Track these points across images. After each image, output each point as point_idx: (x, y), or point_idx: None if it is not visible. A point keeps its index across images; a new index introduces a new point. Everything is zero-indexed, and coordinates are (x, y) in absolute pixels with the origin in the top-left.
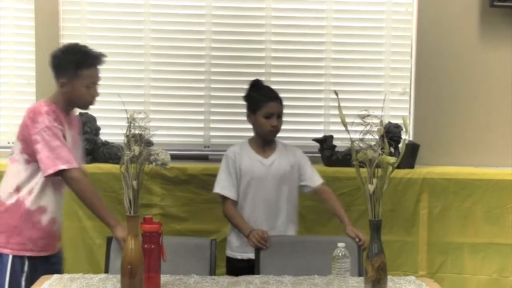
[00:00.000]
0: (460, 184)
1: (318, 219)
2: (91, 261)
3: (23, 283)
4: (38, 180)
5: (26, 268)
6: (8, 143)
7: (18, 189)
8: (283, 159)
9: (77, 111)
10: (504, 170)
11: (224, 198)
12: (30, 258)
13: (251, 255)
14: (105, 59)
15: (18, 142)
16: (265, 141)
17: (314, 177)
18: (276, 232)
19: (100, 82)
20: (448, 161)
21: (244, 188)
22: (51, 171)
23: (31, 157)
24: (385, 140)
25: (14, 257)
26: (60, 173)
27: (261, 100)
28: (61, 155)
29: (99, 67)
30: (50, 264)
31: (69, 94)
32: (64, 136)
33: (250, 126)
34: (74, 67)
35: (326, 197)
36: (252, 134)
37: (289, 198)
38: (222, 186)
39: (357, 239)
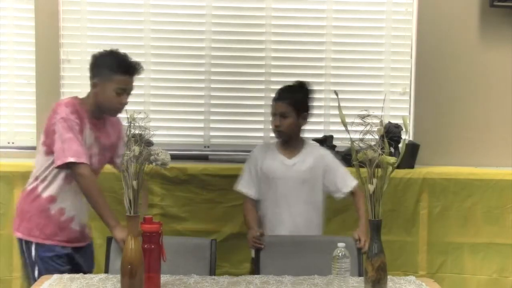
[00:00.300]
0: (460, 184)
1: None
2: None
3: (36, 271)
4: (52, 170)
5: (33, 254)
6: (8, 143)
7: (36, 178)
8: (306, 161)
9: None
10: (504, 170)
11: (245, 196)
12: (37, 244)
13: None
14: (142, 70)
15: (42, 134)
16: (283, 141)
17: (345, 183)
18: (296, 233)
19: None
20: (448, 161)
21: (265, 188)
22: (59, 162)
23: (50, 149)
24: (385, 140)
25: (24, 241)
26: (69, 166)
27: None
28: (72, 147)
29: (135, 77)
30: (71, 257)
31: (98, 96)
32: (81, 131)
33: (249, 126)
34: (108, 69)
35: (355, 200)
36: (252, 134)
37: (311, 201)
38: (243, 184)
39: (357, 242)
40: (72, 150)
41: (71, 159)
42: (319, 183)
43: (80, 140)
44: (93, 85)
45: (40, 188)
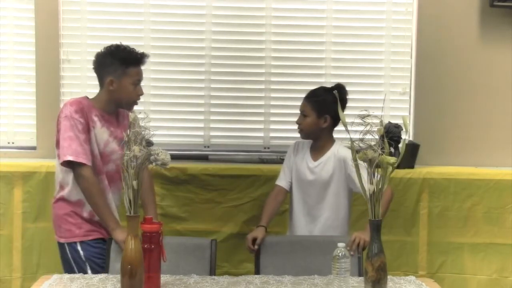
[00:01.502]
0: (460, 184)
1: None
2: None
3: (87, 266)
4: (70, 174)
5: (82, 252)
6: (8, 143)
7: (61, 186)
8: (329, 164)
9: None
10: (504, 170)
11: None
12: (82, 243)
13: None
14: (147, 59)
15: (55, 137)
16: (312, 140)
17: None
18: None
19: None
20: (448, 161)
21: (293, 186)
22: (60, 161)
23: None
24: (385, 140)
25: (68, 244)
26: (71, 166)
27: None
28: (71, 146)
29: (142, 66)
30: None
31: (117, 93)
32: (86, 130)
33: (249, 126)
34: (122, 64)
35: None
36: (250, 133)
37: (333, 205)
38: (280, 176)
39: (349, 245)
40: (71, 149)
41: (69, 158)
42: (342, 185)
43: (82, 140)
44: (110, 83)
45: (66, 195)
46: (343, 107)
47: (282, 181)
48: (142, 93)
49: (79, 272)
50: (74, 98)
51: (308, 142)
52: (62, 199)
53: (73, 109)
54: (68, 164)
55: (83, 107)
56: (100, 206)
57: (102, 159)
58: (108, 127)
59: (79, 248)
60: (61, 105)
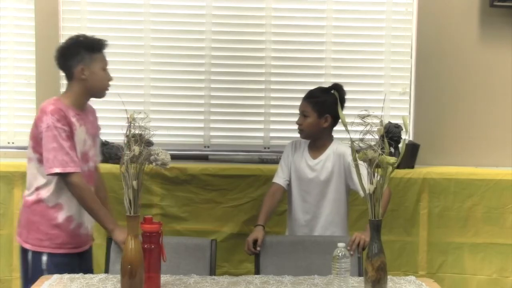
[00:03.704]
0: (460, 184)
1: None
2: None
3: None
4: (54, 177)
5: (44, 266)
6: (8, 143)
7: (37, 187)
8: (329, 162)
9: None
10: (504, 170)
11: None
12: (49, 254)
13: None
14: (107, 43)
15: (30, 140)
16: (310, 140)
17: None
18: (317, 234)
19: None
20: (448, 161)
21: (293, 185)
22: (46, 172)
23: (42, 156)
24: (385, 140)
25: (33, 252)
26: (59, 175)
27: None
28: (57, 158)
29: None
30: (78, 263)
31: (90, 81)
32: (70, 137)
33: (249, 126)
34: (88, 51)
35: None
36: (250, 133)
37: (334, 201)
38: (276, 174)
39: (350, 244)
40: (57, 161)
41: (57, 170)
42: (342, 183)
43: (68, 148)
44: (81, 72)
45: (44, 198)
46: (342, 107)
47: (279, 179)
48: (111, 79)
49: (32, 281)
50: (51, 104)
51: (305, 141)
52: (38, 202)
53: (55, 118)
54: (56, 174)
55: (64, 113)
56: (95, 210)
57: (82, 158)
58: (84, 125)
59: (44, 258)
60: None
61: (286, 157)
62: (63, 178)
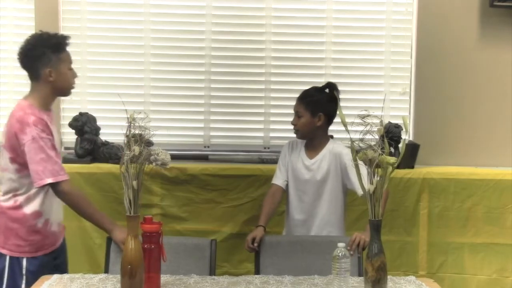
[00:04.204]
0: (461, 184)
1: None
2: (91, 261)
3: (22, 286)
4: (32, 187)
5: (24, 271)
6: None
7: (15, 195)
8: (325, 162)
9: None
10: (504, 170)
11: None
12: (28, 258)
13: None
14: (70, 39)
15: (6, 151)
16: (306, 140)
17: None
18: (314, 233)
19: (99, 82)
20: (448, 161)
21: (290, 185)
22: (37, 185)
23: (23, 166)
24: (385, 140)
25: (11, 258)
26: (49, 184)
27: None
28: (48, 168)
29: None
30: (53, 259)
31: (58, 82)
32: (54, 145)
33: (249, 126)
34: (54, 52)
35: None
36: (250, 133)
37: (330, 201)
38: (275, 175)
39: (350, 244)
40: (48, 171)
41: (49, 180)
42: (338, 183)
43: (55, 157)
44: (49, 74)
45: (23, 205)
46: (336, 104)
47: (278, 180)
48: (77, 76)
49: (8, 286)
50: (29, 114)
51: (302, 141)
52: (16, 208)
53: (39, 129)
54: (47, 185)
55: (45, 122)
56: (90, 214)
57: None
58: (55, 126)
59: (24, 262)
60: (60, 105)
61: (283, 157)
62: (54, 187)
